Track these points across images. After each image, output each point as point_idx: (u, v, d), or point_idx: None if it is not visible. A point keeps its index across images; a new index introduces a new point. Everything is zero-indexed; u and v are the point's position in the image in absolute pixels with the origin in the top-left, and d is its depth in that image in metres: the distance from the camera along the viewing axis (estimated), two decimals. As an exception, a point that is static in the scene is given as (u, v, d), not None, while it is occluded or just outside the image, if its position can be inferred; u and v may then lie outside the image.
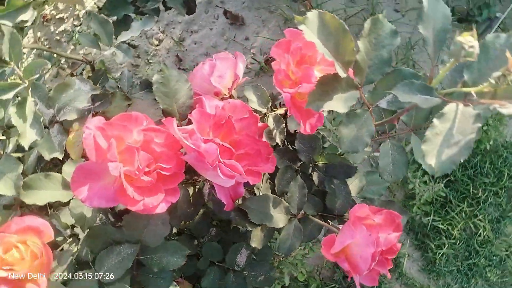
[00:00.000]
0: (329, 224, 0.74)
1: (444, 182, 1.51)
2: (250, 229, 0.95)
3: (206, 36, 1.79)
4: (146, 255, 0.70)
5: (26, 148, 0.64)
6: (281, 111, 0.77)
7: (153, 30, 1.82)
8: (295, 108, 0.64)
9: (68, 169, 0.70)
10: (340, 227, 0.69)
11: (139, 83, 1.01)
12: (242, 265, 0.87)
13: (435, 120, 0.52)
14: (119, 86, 1.00)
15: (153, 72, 1.75)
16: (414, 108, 0.72)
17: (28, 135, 0.65)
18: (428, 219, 1.49)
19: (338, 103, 0.60)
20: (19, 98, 0.66)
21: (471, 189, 1.50)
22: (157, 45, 1.81)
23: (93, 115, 0.88)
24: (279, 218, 0.72)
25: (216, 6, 1.80)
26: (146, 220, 0.67)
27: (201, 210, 0.88)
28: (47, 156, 0.71)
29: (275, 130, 0.73)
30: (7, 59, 0.67)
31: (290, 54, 0.62)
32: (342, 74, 0.59)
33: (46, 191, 0.68)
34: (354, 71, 0.61)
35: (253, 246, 0.75)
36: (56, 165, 0.90)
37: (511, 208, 1.53)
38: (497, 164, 1.53)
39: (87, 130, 0.58)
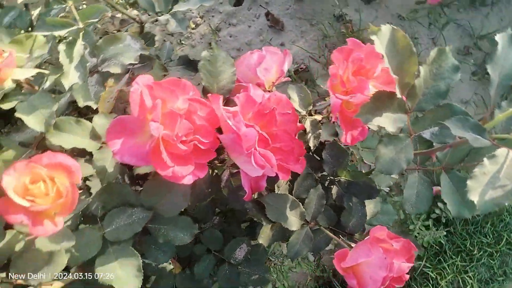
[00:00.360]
0: (340, 239, 0.73)
1: (444, 231, 1.51)
2: (256, 225, 0.95)
3: (242, 32, 1.79)
4: (155, 224, 0.69)
5: (66, 88, 0.63)
6: (318, 117, 0.77)
7: (193, 13, 1.82)
8: (341, 116, 0.63)
9: (99, 121, 0.69)
10: (352, 245, 0.68)
11: (178, 58, 1.01)
12: (239, 259, 0.86)
13: (485, 160, 0.52)
14: (158, 56, 0.99)
15: (183, 53, 1.75)
16: (452, 148, 0.72)
17: (71, 76, 0.64)
18: (420, 264, 1.48)
19: (387, 121, 0.59)
20: (70, 38, 0.65)
21: (467, 245, 1.50)
22: (193, 29, 1.81)
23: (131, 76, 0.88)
24: (293, 221, 0.72)
25: (260, 5, 1.80)
26: (166, 189, 0.66)
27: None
28: (81, 103, 0.70)
29: (309, 134, 0.73)
30: (67, -3, 0.66)
31: (350, 62, 0.62)
32: (399, 94, 0.59)
33: (74, 136, 0.67)
34: (408, 95, 0.61)
35: (260, 242, 0.74)
36: (80, 116, 0.89)
37: (502, 273, 1.53)
38: (498, 227, 1.53)
39: (136, 85, 0.58)
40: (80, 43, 0.66)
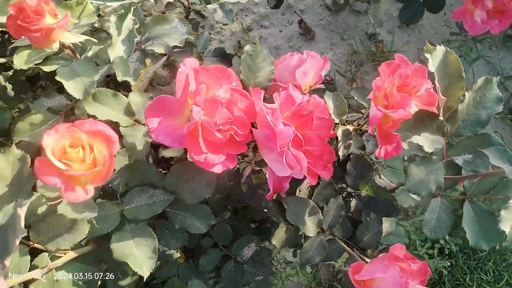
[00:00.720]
0: (354, 252, 0.73)
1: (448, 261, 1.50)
2: (265, 227, 0.95)
3: (273, 35, 1.79)
4: (173, 209, 0.68)
5: (111, 59, 0.64)
6: (350, 128, 0.77)
7: (205, 11, 1.82)
8: (379, 129, 0.63)
9: (134, 98, 0.70)
10: (367, 259, 0.68)
11: (214, 49, 1.01)
12: (246, 258, 0.86)
13: (522, 193, 0.52)
14: (195, 44, 0.99)
15: (212, 47, 1.75)
16: (480, 178, 0.72)
17: (117, 49, 0.64)
18: (415, 291, 1.46)
19: (425, 141, 0.59)
20: (122, 11, 0.65)
21: (467, 280, 1.48)
22: (224, 25, 1.82)
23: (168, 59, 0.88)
24: (310, 227, 0.71)
25: (295, 12, 1.81)
26: (192, 175, 0.66)
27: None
28: (120, 77, 0.70)
29: (340, 143, 0.72)
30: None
31: (396, 77, 0.62)
32: (441, 117, 0.59)
33: (109, 109, 0.67)
34: (448, 118, 0.61)
35: (273, 243, 0.74)
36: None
37: (497, 313, 1.52)
38: (500, 266, 1.52)
39: (183, 67, 0.58)
40: (130, 17, 0.66)
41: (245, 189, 0.77)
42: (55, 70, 0.66)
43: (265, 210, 0.83)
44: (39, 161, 0.47)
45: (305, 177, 0.76)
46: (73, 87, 0.63)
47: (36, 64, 0.66)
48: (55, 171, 0.47)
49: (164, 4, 0.90)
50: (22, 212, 0.39)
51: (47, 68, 0.66)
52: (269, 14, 1.81)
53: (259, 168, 0.77)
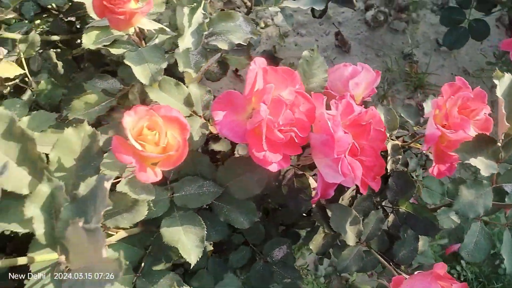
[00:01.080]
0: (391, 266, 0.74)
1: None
2: (292, 232, 0.95)
3: (308, 43, 1.81)
4: (220, 202, 0.69)
5: (180, 50, 0.65)
6: (398, 143, 0.78)
7: (265, 13, 1.84)
8: (436, 148, 0.64)
9: (193, 89, 0.71)
10: (405, 275, 0.69)
11: (263, 51, 1.03)
12: (276, 259, 0.86)
13: None
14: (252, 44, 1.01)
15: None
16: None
17: (186, 40, 0.66)
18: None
19: (481, 165, 0.60)
20: (194, 5, 0.67)
21: (479, 309, 1.48)
22: (261, 28, 1.84)
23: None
24: (350, 236, 0.72)
25: (333, 23, 1.82)
26: (244, 171, 0.67)
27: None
28: (181, 68, 0.71)
29: (389, 158, 0.73)
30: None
31: (458, 99, 0.63)
32: (499, 143, 0.60)
33: (170, 98, 0.68)
34: (504, 145, 0.62)
35: (311, 247, 0.75)
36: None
37: None
38: (513, 299, 1.51)
39: (253, 65, 0.59)
40: (200, 11, 0.67)
41: (286, 191, 0.78)
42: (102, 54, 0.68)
43: (304, 214, 0.84)
44: (117, 139, 0.48)
45: (349, 187, 0.78)
46: (141, 72, 0.64)
47: (104, 46, 0.67)
48: (131, 151, 0.49)
49: (224, 2, 0.91)
50: (107, 185, 0.40)
51: (114, 51, 0.67)
52: (307, 23, 1.83)
53: (302, 172, 0.78)
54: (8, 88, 0.88)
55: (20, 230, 0.51)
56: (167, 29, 0.64)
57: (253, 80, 0.58)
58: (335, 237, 0.77)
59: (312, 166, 0.78)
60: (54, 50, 1.04)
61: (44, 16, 1.02)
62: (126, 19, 0.54)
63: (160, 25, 0.63)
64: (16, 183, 0.48)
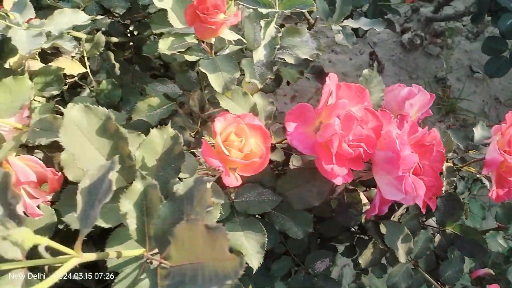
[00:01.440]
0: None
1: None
2: (333, 244, 0.97)
3: (342, 61, 1.83)
4: (276, 210, 0.71)
5: (254, 62, 0.67)
6: (451, 165, 0.79)
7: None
8: (497, 173, 0.65)
9: (258, 100, 0.73)
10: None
11: (312, 66, 1.05)
12: (317, 271, 0.88)
13: None
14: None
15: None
16: None
17: (259, 53, 0.68)
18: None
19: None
20: (269, 19, 0.69)
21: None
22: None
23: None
24: (401, 254, 0.73)
25: (368, 43, 1.85)
26: (304, 182, 0.69)
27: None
28: (247, 79, 0.73)
29: (444, 179, 0.75)
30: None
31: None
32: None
33: (238, 107, 0.70)
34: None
35: (360, 262, 0.76)
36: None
37: None
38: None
39: (328, 81, 0.62)
40: (273, 25, 0.70)
41: (335, 205, 0.79)
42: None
43: (352, 229, 0.86)
44: (206, 143, 0.50)
45: (402, 205, 0.79)
46: (215, 80, 0.67)
47: (179, 52, 0.70)
48: (217, 155, 0.51)
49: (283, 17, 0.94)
50: (209, 186, 0.42)
51: (188, 57, 0.70)
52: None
53: (353, 187, 0.79)
54: (67, 85, 0.91)
55: (103, 225, 0.54)
56: (245, 40, 0.67)
57: (327, 95, 0.61)
58: (383, 253, 0.78)
59: (365, 182, 0.80)
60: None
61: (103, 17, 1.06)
62: (214, 29, 0.57)
63: (238, 36, 0.66)
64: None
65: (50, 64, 0.78)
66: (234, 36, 0.65)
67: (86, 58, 0.89)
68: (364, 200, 0.80)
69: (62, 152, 0.61)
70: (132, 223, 0.47)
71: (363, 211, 0.78)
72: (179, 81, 0.90)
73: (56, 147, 0.63)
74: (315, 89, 1.49)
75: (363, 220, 0.78)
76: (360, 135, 0.62)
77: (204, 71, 0.67)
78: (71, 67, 0.86)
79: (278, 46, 0.69)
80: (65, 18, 0.58)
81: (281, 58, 0.74)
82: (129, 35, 1.13)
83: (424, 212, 0.66)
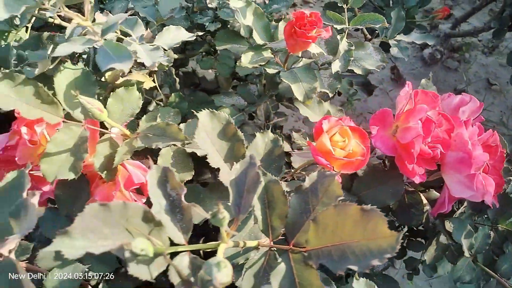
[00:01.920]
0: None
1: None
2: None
3: (364, 76, 1.91)
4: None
5: (333, 72, 0.74)
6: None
7: None
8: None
9: (329, 107, 0.79)
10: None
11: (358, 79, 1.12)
12: (376, 271, 0.93)
13: None
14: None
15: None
16: None
17: (336, 64, 0.75)
18: None
19: None
20: (342, 34, 0.76)
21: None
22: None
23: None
24: (465, 248, 0.79)
25: (390, 58, 1.93)
26: (378, 184, 0.74)
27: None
28: (318, 88, 0.80)
29: (501, 179, 0.81)
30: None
31: None
32: None
33: (313, 113, 0.76)
34: None
35: (425, 258, 0.81)
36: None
37: None
38: None
39: (407, 88, 0.68)
40: (345, 40, 0.76)
41: (395, 206, 0.85)
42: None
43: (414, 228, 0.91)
44: (313, 145, 0.56)
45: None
46: (296, 90, 0.73)
47: (260, 65, 0.76)
48: (321, 154, 0.57)
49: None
50: (338, 178, 0.48)
51: (269, 70, 0.76)
52: (362, 56, 1.94)
53: (413, 189, 0.85)
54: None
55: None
56: (325, 54, 0.73)
57: (407, 101, 0.67)
58: (445, 249, 0.84)
59: (426, 184, 0.86)
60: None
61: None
62: (307, 43, 0.63)
63: (321, 50, 0.72)
64: (223, 176, 0.56)
65: (127, 78, 0.84)
66: (317, 50, 0.71)
67: (154, 73, 0.95)
68: (424, 200, 0.85)
69: (159, 156, 0.67)
70: (258, 214, 0.52)
71: (424, 211, 0.83)
72: (240, 94, 0.96)
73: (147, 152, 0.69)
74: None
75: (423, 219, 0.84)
76: (437, 137, 0.68)
77: (286, 81, 0.73)
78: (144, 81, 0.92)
79: (352, 59, 0.75)
80: (171, 34, 0.64)
81: (350, 69, 0.80)
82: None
83: (491, 208, 0.72)
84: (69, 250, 0.33)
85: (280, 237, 0.52)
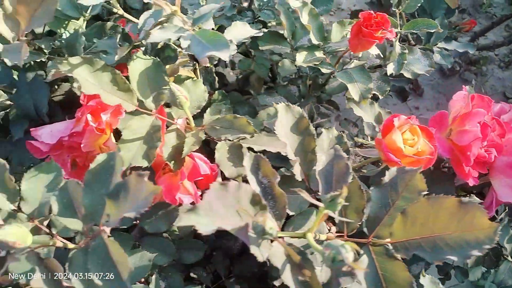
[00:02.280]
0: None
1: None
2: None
3: (381, 85, 1.93)
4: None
5: (388, 74, 0.75)
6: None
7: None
8: None
9: (378, 109, 0.81)
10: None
11: (392, 85, 1.13)
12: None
13: None
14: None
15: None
16: None
17: (390, 67, 0.76)
18: None
19: None
20: (396, 37, 0.78)
21: None
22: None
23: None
24: (508, 251, 0.80)
25: (407, 68, 1.95)
26: (430, 184, 0.76)
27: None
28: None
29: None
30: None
31: None
32: None
33: (365, 114, 0.78)
34: None
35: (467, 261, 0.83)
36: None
37: None
38: None
39: (464, 92, 0.69)
40: (398, 44, 0.78)
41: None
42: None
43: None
44: (384, 143, 0.58)
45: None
46: (352, 89, 0.74)
47: (315, 65, 0.78)
48: (392, 150, 0.58)
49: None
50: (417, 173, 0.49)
51: (323, 70, 0.77)
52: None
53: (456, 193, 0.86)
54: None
55: (291, 213, 0.60)
56: (381, 54, 0.74)
57: (465, 105, 0.68)
58: (485, 253, 0.85)
59: (467, 188, 0.87)
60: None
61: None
62: (372, 43, 0.65)
63: (378, 51, 0.73)
64: (296, 169, 0.57)
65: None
66: (376, 51, 0.73)
67: (198, 70, 0.96)
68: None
69: (215, 150, 0.68)
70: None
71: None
72: (281, 94, 0.97)
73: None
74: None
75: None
76: (492, 141, 0.70)
77: (341, 80, 0.74)
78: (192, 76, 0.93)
79: (405, 62, 0.77)
80: (239, 29, 0.65)
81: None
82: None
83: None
84: (200, 226, 0.33)
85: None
